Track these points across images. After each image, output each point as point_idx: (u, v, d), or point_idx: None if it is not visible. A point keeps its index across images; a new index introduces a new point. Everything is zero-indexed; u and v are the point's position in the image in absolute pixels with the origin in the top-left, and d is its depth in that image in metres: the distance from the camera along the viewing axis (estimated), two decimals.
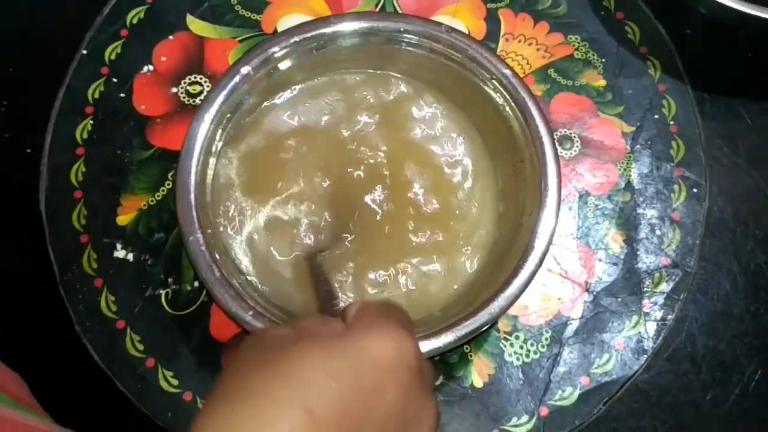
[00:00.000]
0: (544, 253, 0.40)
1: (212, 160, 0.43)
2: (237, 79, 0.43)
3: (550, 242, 0.40)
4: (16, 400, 0.39)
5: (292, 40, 0.44)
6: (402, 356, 0.26)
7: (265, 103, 0.47)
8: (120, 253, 0.47)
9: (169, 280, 0.46)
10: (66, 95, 0.51)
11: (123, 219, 0.48)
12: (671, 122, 0.50)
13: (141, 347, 0.45)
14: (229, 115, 0.43)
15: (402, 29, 0.45)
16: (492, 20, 0.53)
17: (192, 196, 0.41)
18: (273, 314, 0.39)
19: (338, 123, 0.46)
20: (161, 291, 0.46)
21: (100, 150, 0.49)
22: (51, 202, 0.48)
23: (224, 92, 0.43)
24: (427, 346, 0.38)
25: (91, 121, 0.50)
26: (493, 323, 0.42)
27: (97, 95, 0.51)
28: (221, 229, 0.43)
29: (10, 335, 0.44)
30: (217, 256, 0.40)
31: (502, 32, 0.53)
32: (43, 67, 0.52)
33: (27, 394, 0.41)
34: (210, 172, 0.43)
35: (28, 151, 0.50)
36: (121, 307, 0.46)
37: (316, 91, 0.47)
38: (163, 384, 0.44)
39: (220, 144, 0.43)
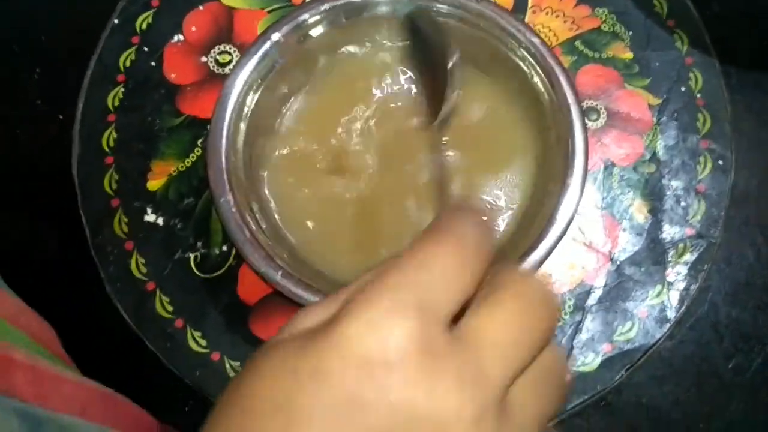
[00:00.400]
0: (569, 222, 0.40)
1: (243, 125, 0.43)
2: (267, 45, 0.44)
3: (575, 211, 0.41)
4: (49, 351, 0.40)
5: (322, 8, 0.45)
6: (383, 345, 0.19)
7: (297, 71, 0.47)
8: (150, 217, 0.48)
9: (198, 243, 0.47)
10: (98, 64, 0.52)
11: (153, 184, 0.49)
12: (698, 95, 0.50)
13: (170, 308, 0.46)
14: (260, 81, 0.44)
15: None
16: None
17: (223, 159, 0.42)
18: (303, 274, 0.40)
19: (368, 91, 0.47)
20: (190, 254, 0.47)
21: (130, 117, 0.50)
22: (83, 168, 0.49)
23: (255, 58, 0.44)
24: None
25: (123, 89, 0.51)
26: None
27: (128, 64, 0.52)
28: (250, 192, 0.44)
29: (44, 297, 0.45)
30: (248, 218, 0.41)
31: (529, 4, 0.53)
32: (75, 37, 0.53)
33: (59, 346, 0.42)
34: (241, 137, 0.43)
35: (61, 117, 0.51)
36: (151, 270, 0.47)
37: (346, 60, 0.48)
38: (192, 344, 0.45)
39: (251, 109, 0.44)
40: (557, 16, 0.52)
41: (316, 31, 0.45)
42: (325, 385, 0.19)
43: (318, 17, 0.45)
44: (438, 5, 0.45)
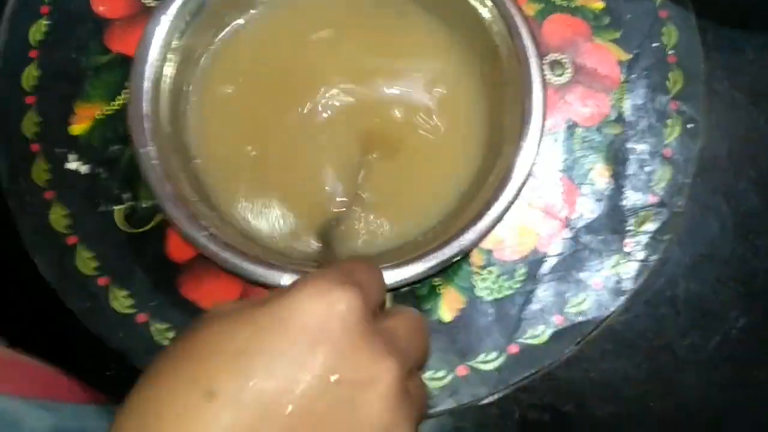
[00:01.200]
0: (521, 186, 0.37)
1: (168, 67, 0.39)
2: None
3: (528, 174, 0.37)
4: None
5: None
6: (328, 311, 0.23)
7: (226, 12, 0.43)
8: (72, 165, 0.44)
9: (125, 195, 0.43)
10: None
11: (76, 128, 0.45)
12: (670, 52, 0.47)
13: (93, 265, 0.42)
14: (188, 19, 0.40)
15: None
16: None
17: (144, 105, 0.38)
18: (228, 236, 0.37)
19: (305, 37, 0.43)
20: (115, 207, 0.43)
21: (54, 53, 0.46)
22: (0, 107, 0.45)
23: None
24: (393, 276, 0.36)
25: (46, 22, 0.46)
26: (464, 256, 0.40)
27: None
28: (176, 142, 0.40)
29: None
30: (171, 171, 0.37)
31: None
32: None
33: None
34: (167, 80, 0.39)
35: None
36: (73, 222, 0.43)
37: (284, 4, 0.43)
38: (115, 304, 0.42)
39: (177, 51, 0.40)
40: None
41: None
42: (280, 334, 0.22)
43: None
44: None
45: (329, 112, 0.42)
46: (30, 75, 0.45)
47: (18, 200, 0.43)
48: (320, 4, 0.43)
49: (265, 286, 0.36)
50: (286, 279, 0.35)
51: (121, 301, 0.42)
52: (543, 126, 0.38)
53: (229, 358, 0.22)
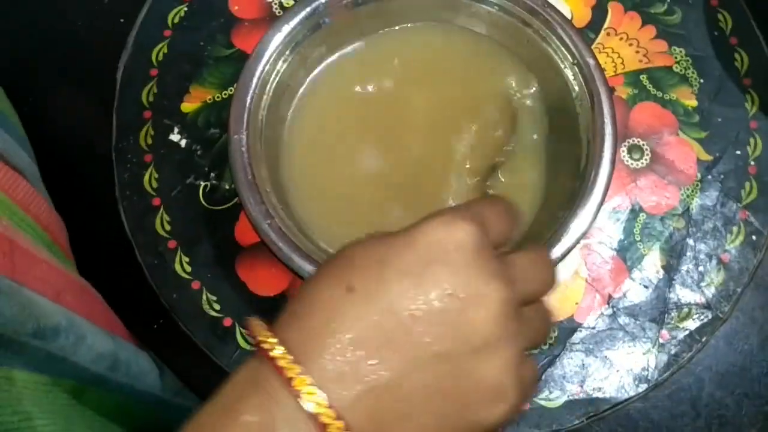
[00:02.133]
0: (566, 253, 0.38)
1: (280, 68, 0.43)
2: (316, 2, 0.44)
3: (579, 240, 0.39)
4: (55, 243, 0.41)
5: None
6: (449, 237, 0.26)
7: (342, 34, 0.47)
8: (175, 137, 0.49)
9: (212, 174, 0.48)
10: None
11: (187, 106, 0.49)
12: (752, 162, 0.47)
13: (168, 228, 0.47)
14: (306, 32, 0.44)
15: None
16: (599, 10, 0.51)
17: (249, 97, 0.42)
18: (291, 232, 0.40)
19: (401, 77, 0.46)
20: (202, 182, 0.48)
21: (185, 37, 0.51)
22: (127, 73, 0.50)
23: (306, 9, 0.43)
24: None
25: (185, 8, 0.52)
26: None
27: None
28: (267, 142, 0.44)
29: (59, 186, 0.47)
30: (255, 161, 0.41)
31: (605, 25, 0.51)
32: None
33: (65, 240, 0.44)
34: (273, 83, 0.43)
35: (122, 21, 0.52)
36: (161, 186, 0.48)
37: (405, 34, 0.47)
38: (178, 267, 0.46)
39: (289, 60, 0.44)
40: (630, 44, 0.50)
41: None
42: (408, 251, 0.26)
43: None
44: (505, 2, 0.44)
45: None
46: (160, 51, 0.51)
47: (122, 156, 0.48)
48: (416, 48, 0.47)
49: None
50: None
51: (183, 265, 0.46)
52: (602, 200, 0.40)
53: (369, 264, 0.26)
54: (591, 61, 0.42)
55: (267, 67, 0.43)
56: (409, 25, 0.47)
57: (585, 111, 0.42)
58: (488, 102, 0.45)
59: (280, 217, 0.40)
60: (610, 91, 0.41)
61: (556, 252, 0.39)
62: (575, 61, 0.42)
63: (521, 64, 0.46)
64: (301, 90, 0.46)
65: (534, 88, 0.45)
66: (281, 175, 0.44)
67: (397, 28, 0.47)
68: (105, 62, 0.51)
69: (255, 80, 0.43)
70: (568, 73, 0.43)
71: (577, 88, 0.42)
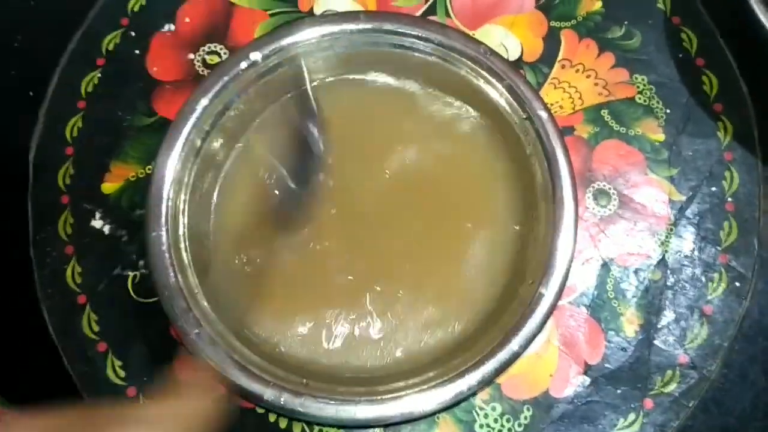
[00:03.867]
0: (532, 337, 0.35)
1: (204, 142, 0.39)
2: (243, 65, 0.39)
3: (541, 324, 0.35)
4: None
5: (314, 33, 0.40)
6: None
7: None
8: (97, 223, 0.44)
9: (141, 262, 0.43)
10: (81, 40, 0.48)
11: (108, 186, 0.45)
12: (729, 199, 0.43)
13: (96, 328, 0.42)
14: (227, 100, 0.39)
15: (438, 41, 0.39)
16: (552, 41, 0.46)
17: (166, 187, 0.37)
18: (224, 338, 0.36)
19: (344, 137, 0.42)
20: (130, 272, 0.43)
21: (102, 107, 0.46)
22: (41, 154, 0.45)
23: (224, 78, 0.39)
24: (399, 407, 0.34)
25: (99, 75, 0.47)
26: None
27: (111, 47, 0.47)
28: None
29: None
30: (179, 258, 0.37)
31: (559, 56, 0.46)
32: (63, 5, 0.49)
33: None
34: (196, 161, 0.39)
35: (31, 94, 0.47)
36: (86, 282, 0.43)
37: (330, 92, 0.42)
38: (110, 373, 0.41)
39: (206, 141, 0.39)
40: (588, 76, 0.46)
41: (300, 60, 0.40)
42: None
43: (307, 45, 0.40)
44: (443, 49, 0.39)
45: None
46: (75, 126, 0.46)
47: (41, 249, 0.44)
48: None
49: (247, 396, 0.35)
50: (268, 394, 0.34)
51: (116, 371, 0.41)
52: (567, 275, 0.36)
53: None
54: (544, 114, 0.37)
55: (189, 142, 0.39)
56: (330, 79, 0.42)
57: (540, 172, 0.37)
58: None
59: (210, 320, 0.36)
60: (567, 150, 0.37)
61: (523, 335, 0.35)
62: (527, 116, 0.38)
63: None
64: (227, 165, 0.41)
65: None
66: (210, 264, 0.40)
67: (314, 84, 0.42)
68: (17, 140, 0.46)
69: (175, 160, 0.38)
70: (517, 131, 0.38)
71: (528, 148, 0.38)
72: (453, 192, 0.40)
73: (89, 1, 0.48)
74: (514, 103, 0.38)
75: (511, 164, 0.39)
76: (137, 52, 0.47)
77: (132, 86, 0.47)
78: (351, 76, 0.42)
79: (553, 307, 0.35)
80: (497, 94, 0.38)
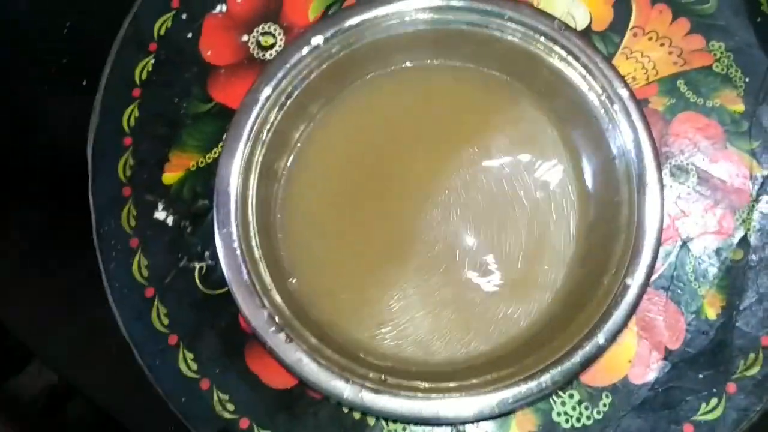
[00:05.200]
0: (615, 335, 0.33)
1: (261, 151, 0.38)
2: (305, 50, 0.38)
3: (624, 322, 0.34)
4: None
5: (377, 13, 0.38)
6: None
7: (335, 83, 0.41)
8: (160, 215, 0.44)
9: (206, 253, 0.43)
10: (131, 26, 0.46)
11: (169, 177, 0.44)
12: None
13: (166, 321, 0.42)
14: (289, 92, 0.38)
15: (506, 16, 0.37)
16: (622, 7, 0.44)
17: (235, 181, 0.36)
18: (296, 332, 0.35)
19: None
20: (196, 264, 0.43)
21: (157, 95, 0.45)
22: (99, 146, 0.45)
23: (286, 65, 0.37)
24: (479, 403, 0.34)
25: (153, 61, 0.46)
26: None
27: (162, 32, 0.46)
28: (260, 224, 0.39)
29: (39, 284, 0.43)
30: (251, 253, 0.36)
31: (631, 24, 0.44)
32: None
33: None
34: (257, 160, 0.38)
35: (84, 83, 0.46)
36: (152, 274, 0.43)
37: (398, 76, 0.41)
38: (182, 366, 0.41)
39: (274, 125, 0.38)
40: (662, 44, 0.43)
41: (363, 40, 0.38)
42: None
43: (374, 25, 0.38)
44: (511, 24, 0.37)
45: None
46: (131, 115, 0.45)
47: (105, 243, 0.43)
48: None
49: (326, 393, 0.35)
50: (348, 392, 0.34)
51: (188, 363, 0.41)
52: (654, 262, 0.34)
53: None
54: (624, 92, 0.36)
55: (253, 134, 0.38)
56: (408, 64, 0.40)
57: (621, 152, 0.36)
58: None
59: (285, 317, 0.36)
60: (650, 128, 0.35)
61: (609, 328, 0.34)
62: (604, 93, 0.36)
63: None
64: (294, 154, 0.40)
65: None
66: (278, 253, 0.39)
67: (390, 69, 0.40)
68: (73, 131, 0.45)
69: (240, 153, 0.37)
70: (596, 107, 0.36)
71: (607, 124, 0.36)
72: (525, 180, 0.39)
73: None
74: (593, 82, 0.36)
75: (588, 144, 0.38)
76: (189, 35, 0.46)
77: (186, 72, 0.45)
78: (412, 63, 0.40)
79: (639, 299, 0.34)
80: (574, 72, 0.36)
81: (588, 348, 0.33)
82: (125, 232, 0.43)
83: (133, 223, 0.43)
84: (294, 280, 0.38)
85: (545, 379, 0.33)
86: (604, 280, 0.35)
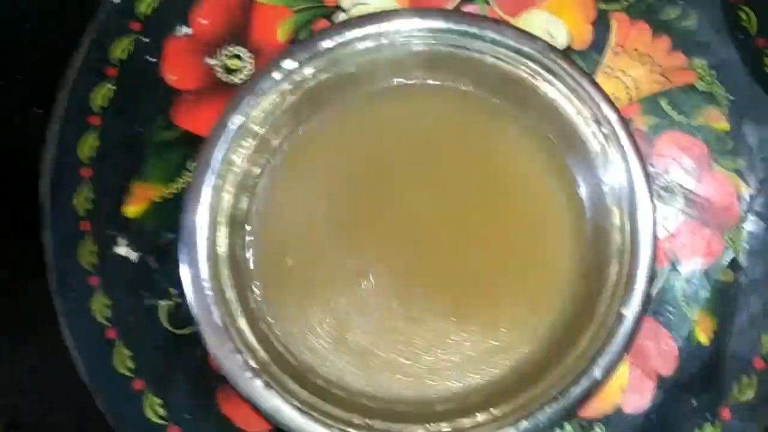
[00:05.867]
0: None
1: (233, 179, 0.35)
2: (278, 76, 0.36)
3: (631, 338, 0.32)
4: None
5: (353, 35, 0.36)
6: None
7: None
8: (122, 250, 0.41)
9: (172, 290, 0.40)
10: (89, 49, 0.44)
11: (131, 210, 0.41)
12: None
13: (131, 365, 0.39)
14: (264, 116, 0.36)
15: (490, 38, 0.36)
16: (601, 25, 0.43)
17: (200, 222, 0.34)
18: (274, 377, 0.33)
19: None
20: (162, 302, 0.40)
21: (118, 123, 0.43)
22: (54, 178, 0.42)
23: (259, 91, 0.35)
24: None
25: (113, 86, 0.43)
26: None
27: (123, 55, 0.44)
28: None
29: None
30: (225, 294, 0.34)
31: (611, 42, 0.43)
32: (67, 11, 0.45)
33: None
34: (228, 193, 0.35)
35: (40, 111, 0.43)
36: (115, 314, 0.40)
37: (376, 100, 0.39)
38: (149, 413, 0.39)
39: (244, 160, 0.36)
40: (644, 63, 0.42)
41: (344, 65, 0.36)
42: None
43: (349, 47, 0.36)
44: (498, 48, 0.36)
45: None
46: (88, 144, 0.42)
47: (62, 282, 0.40)
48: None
49: None
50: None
51: (155, 409, 0.39)
52: (649, 290, 0.33)
53: None
54: (613, 116, 0.34)
55: (223, 166, 0.35)
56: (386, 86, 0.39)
57: (612, 175, 0.34)
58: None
59: (261, 361, 0.33)
60: (640, 152, 0.34)
61: (605, 361, 0.32)
62: (594, 117, 0.34)
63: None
64: (265, 184, 0.38)
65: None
66: (251, 291, 0.37)
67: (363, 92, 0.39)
68: (26, 164, 0.42)
69: (209, 187, 0.35)
70: (585, 131, 0.35)
71: (597, 147, 0.35)
72: (514, 203, 0.37)
73: (94, 4, 0.44)
74: (581, 105, 0.34)
75: (579, 168, 0.36)
76: (152, 59, 0.43)
77: (149, 98, 0.43)
78: (396, 82, 0.38)
79: (636, 330, 0.32)
80: (560, 94, 0.35)
81: (584, 383, 0.31)
82: (84, 270, 0.40)
83: (92, 259, 0.41)
84: (270, 319, 0.35)
85: (542, 417, 0.31)
86: (598, 311, 0.33)
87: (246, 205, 0.37)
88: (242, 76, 0.43)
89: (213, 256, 0.34)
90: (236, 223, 0.36)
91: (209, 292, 0.33)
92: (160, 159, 0.42)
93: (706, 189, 0.41)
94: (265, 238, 0.37)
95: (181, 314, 0.40)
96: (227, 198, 0.35)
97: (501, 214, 0.37)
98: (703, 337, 0.39)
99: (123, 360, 0.39)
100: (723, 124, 0.41)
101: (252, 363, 0.32)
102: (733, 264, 0.40)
